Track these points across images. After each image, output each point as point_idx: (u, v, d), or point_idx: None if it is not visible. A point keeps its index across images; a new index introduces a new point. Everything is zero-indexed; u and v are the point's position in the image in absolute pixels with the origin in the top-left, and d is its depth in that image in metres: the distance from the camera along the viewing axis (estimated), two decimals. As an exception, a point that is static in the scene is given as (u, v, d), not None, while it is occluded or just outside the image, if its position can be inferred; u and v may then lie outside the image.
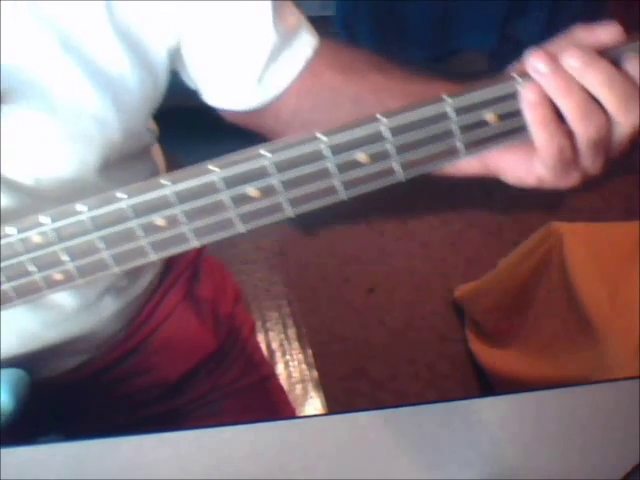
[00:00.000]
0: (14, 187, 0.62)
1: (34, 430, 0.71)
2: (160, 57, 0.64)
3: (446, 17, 1.92)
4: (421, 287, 1.85)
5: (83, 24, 0.58)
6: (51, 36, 0.57)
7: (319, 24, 0.71)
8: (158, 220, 0.50)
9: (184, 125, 0.73)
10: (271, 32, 0.65)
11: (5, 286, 0.55)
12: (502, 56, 2.09)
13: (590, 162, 0.50)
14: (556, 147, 0.49)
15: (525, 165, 0.51)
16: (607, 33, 0.48)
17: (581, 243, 1.38)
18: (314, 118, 0.67)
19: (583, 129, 0.48)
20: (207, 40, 0.65)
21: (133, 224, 0.51)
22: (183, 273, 0.88)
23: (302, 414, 1.15)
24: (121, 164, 0.69)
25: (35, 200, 0.62)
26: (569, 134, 0.49)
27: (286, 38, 0.66)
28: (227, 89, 0.69)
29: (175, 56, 0.66)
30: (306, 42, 0.68)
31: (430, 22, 1.92)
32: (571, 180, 0.51)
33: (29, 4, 0.56)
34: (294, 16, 0.68)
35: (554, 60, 0.47)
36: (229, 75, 0.68)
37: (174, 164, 0.86)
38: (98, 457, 0.66)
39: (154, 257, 0.53)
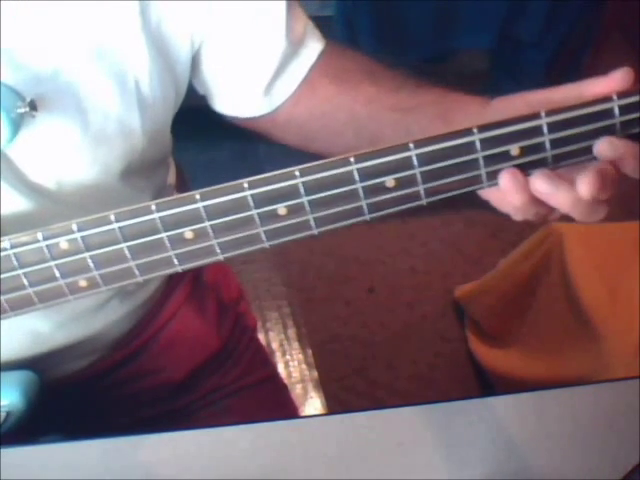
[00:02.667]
0: (36, 190, 0.62)
1: (35, 430, 0.71)
2: (184, 62, 0.64)
3: (446, 17, 1.91)
4: (421, 287, 1.85)
5: (116, 27, 0.58)
6: (85, 42, 0.57)
7: (319, 24, 0.71)
8: (187, 233, 0.52)
9: (181, 125, 0.73)
10: (282, 41, 0.66)
11: (29, 291, 0.55)
12: (502, 56, 2.09)
13: None
14: (532, 214, 0.53)
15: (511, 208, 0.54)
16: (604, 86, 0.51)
17: (581, 243, 1.38)
18: (310, 126, 0.68)
19: (578, 215, 0.53)
20: (225, 45, 0.65)
21: (162, 236, 0.52)
22: (187, 273, 0.88)
23: (302, 414, 1.15)
24: (142, 171, 0.69)
25: (57, 204, 0.63)
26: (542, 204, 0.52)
27: (294, 46, 0.67)
28: (236, 96, 0.70)
29: (194, 61, 0.66)
30: (311, 48, 0.69)
31: (430, 22, 1.92)
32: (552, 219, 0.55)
33: (65, 9, 0.56)
34: (302, 21, 0.68)
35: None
36: (239, 82, 0.68)
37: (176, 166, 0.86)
38: (98, 457, 0.66)
39: (179, 268, 0.54)
